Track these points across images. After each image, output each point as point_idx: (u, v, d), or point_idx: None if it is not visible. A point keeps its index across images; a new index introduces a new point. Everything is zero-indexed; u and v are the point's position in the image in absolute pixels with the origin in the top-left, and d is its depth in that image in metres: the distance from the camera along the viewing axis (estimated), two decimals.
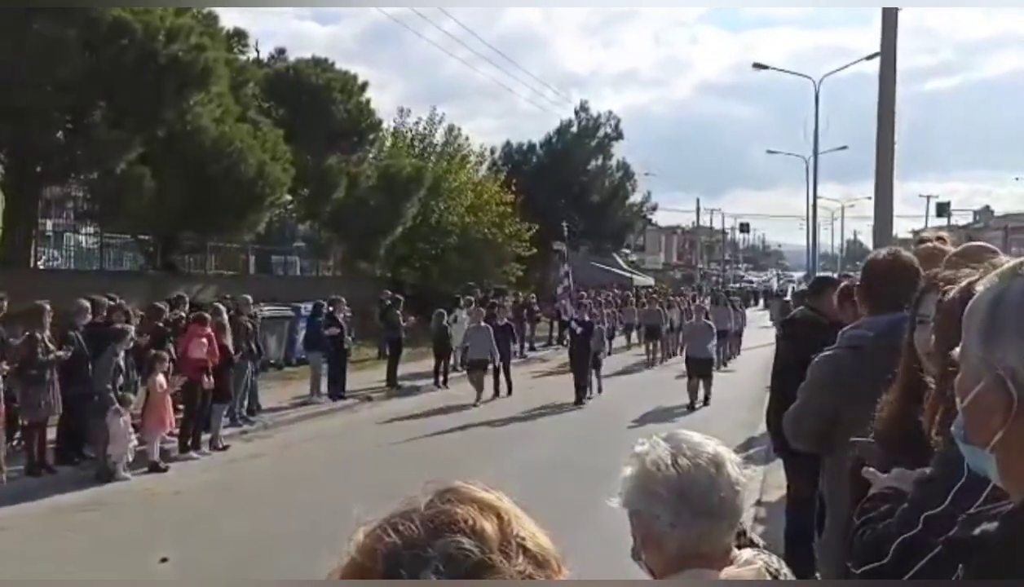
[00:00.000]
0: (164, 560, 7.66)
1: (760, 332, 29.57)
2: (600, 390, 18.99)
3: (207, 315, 12.81)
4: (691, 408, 16.72)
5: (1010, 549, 1.14)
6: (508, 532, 1.00)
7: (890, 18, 13.93)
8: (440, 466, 10.03)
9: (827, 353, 3.74)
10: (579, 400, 17.64)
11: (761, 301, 60.84)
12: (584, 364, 18.05)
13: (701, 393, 17.19)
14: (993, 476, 1.20)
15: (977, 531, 1.27)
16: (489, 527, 0.99)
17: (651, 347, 26.54)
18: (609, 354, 26.20)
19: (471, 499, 1.02)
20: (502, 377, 18.87)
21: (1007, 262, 1.23)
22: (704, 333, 17.76)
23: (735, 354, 26.62)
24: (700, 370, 17.24)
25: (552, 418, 16.28)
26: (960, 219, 62.47)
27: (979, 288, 1.22)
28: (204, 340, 12.31)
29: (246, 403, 14.40)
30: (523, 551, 0.99)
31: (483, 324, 18.53)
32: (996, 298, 1.18)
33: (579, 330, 18.33)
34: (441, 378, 19.85)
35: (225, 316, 13.29)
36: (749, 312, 43.43)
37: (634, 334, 30.60)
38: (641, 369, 25.14)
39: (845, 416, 3.46)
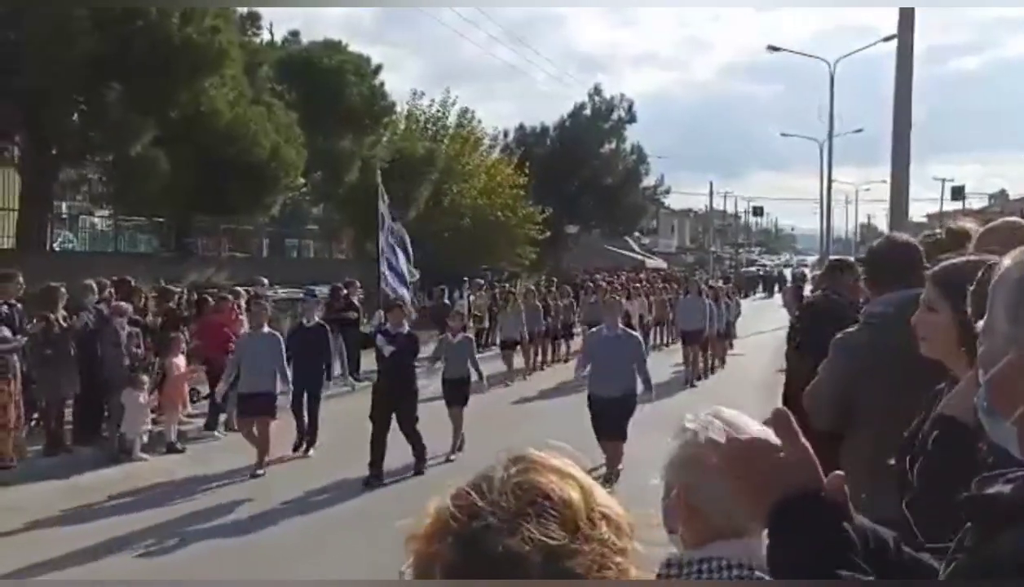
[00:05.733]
0: (182, 540, 7.78)
1: (769, 314, 29.01)
2: (460, 447, 11.08)
3: (229, 297, 12.86)
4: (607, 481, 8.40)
5: (1018, 511, 1.16)
6: (591, 501, 1.04)
7: (907, 16, 13.85)
8: None
9: (848, 330, 3.81)
10: (373, 477, 9.80)
11: (769, 288, 54.75)
12: (385, 411, 10.04)
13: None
14: (1013, 448, 1.22)
15: (991, 490, 1.28)
16: (575, 497, 1.03)
17: None
18: (535, 369, 19.42)
19: (551, 468, 1.06)
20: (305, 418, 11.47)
21: None
22: (617, 348, 9.78)
23: (715, 365, 20.03)
24: (610, 419, 9.58)
25: (315, 520, 8.61)
26: (975, 202, 61.94)
27: (1007, 263, 1.24)
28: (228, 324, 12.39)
29: None
30: (605, 520, 1.04)
31: (267, 329, 10.98)
32: None
33: (388, 350, 10.22)
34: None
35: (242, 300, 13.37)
36: (750, 302, 41.47)
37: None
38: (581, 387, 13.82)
39: (864, 393, 3.53)
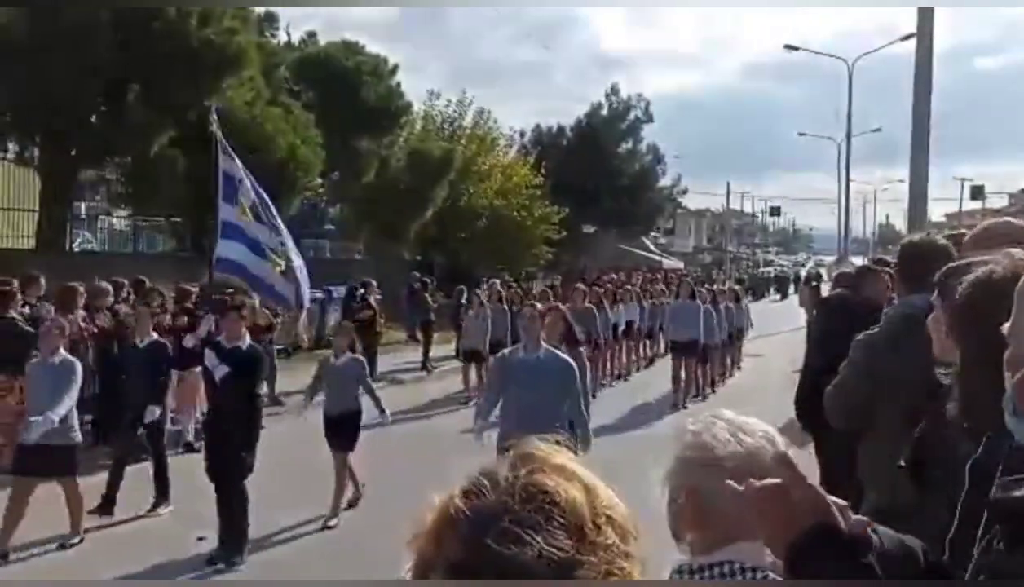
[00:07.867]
0: (201, 539, 7.79)
1: (785, 315, 28.76)
2: (355, 502, 9.05)
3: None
4: None
5: None
6: (596, 504, 1.00)
7: (926, 14, 13.75)
8: None
9: (871, 331, 3.79)
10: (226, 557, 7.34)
11: (781, 289, 54.15)
12: (219, 465, 7.67)
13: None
14: None
15: (1018, 493, 1.28)
16: (579, 498, 0.98)
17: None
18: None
19: (555, 467, 1.02)
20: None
21: None
22: (539, 378, 6.85)
23: (715, 380, 17.40)
24: None
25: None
26: (996, 202, 61.47)
27: None
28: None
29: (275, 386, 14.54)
30: (610, 523, 1.00)
31: (62, 354, 7.83)
32: None
33: (221, 372, 7.50)
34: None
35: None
36: (764, 305, 40.72)
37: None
38: None
39: (885, 393, 3.51)
